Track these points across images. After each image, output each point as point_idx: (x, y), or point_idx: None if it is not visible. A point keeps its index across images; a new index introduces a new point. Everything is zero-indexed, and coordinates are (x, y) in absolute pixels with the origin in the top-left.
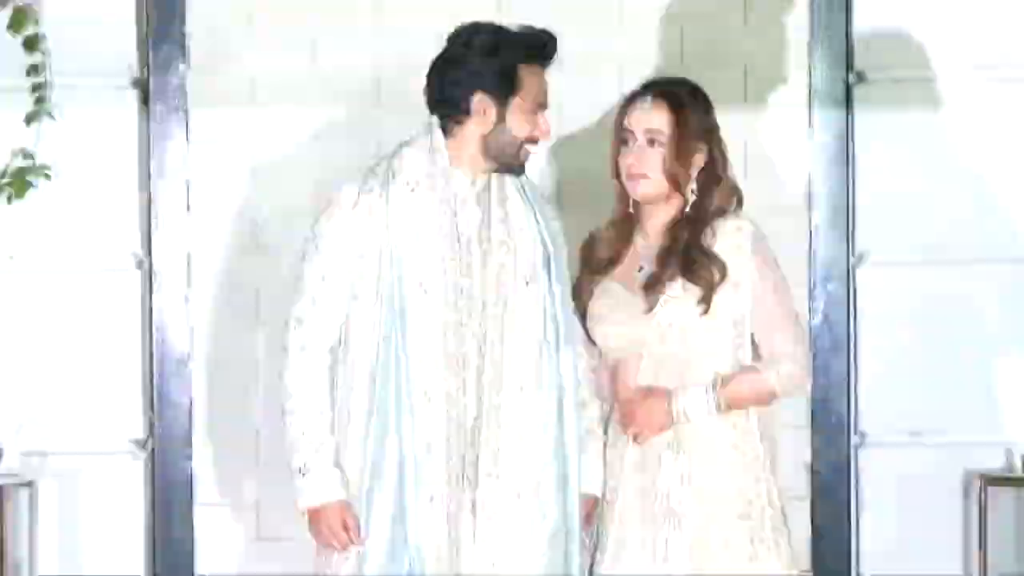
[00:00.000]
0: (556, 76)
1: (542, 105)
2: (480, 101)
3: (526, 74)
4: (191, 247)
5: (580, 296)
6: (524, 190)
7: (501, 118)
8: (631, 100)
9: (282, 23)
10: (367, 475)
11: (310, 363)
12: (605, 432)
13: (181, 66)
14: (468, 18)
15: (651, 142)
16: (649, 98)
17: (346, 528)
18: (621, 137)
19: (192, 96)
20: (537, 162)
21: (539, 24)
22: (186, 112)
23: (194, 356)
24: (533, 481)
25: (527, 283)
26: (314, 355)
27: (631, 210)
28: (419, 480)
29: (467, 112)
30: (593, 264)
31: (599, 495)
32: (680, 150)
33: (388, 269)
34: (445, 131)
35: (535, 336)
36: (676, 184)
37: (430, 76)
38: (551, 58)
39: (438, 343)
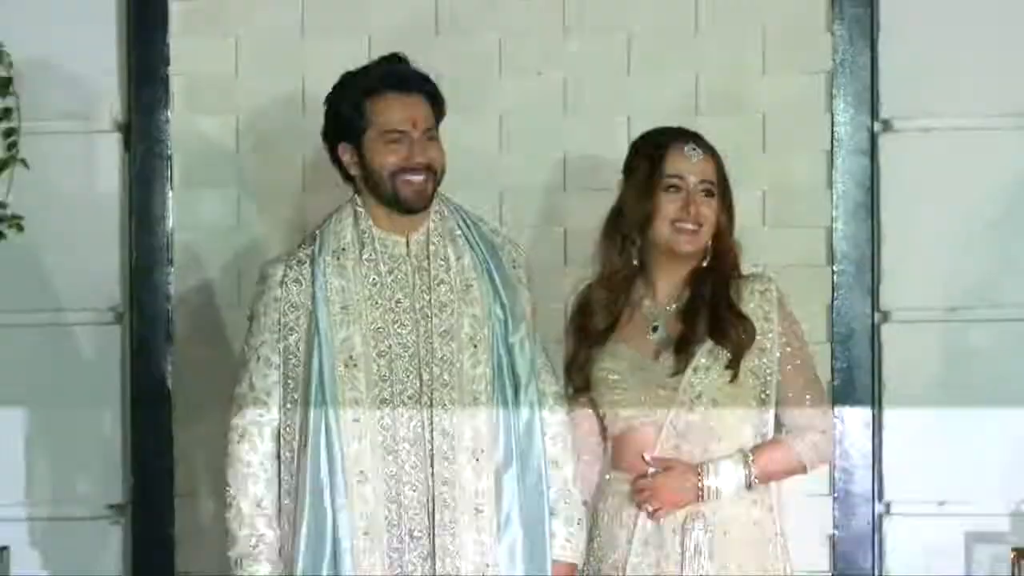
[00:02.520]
0: (563, 124)
1: (401, 132)
2: (343, 150)
3: (375, 105)
4: (174, 300)
5: (577, 364)
6: (474, 240)
7: (363, 159)
8: (668, 147)
9: (270, 65)
10: (308, 560)
11: (248, 453)
12: (604, 500)
13: (165, 110)
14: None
15: (707, 192)
16: (696, 147)
17: None
18: (665, 185)
19: (176, 140)
20: (543, 210)
21: (549, 71)
22: (170, 158)
23: (176, 417)
24: (496, 555)
25: (475, 345)
26: (253, 444)
27: (635, 262)
28: (358, 567)
29: (342, 166)
30: (590, 331)
31: (578, 563)
32: (729, 205)
33: (316, 345)
34: (359, 193)
35: (486, 399)
36: (720, 239)
37: None
38: (407, 81)
39: (371, 421)
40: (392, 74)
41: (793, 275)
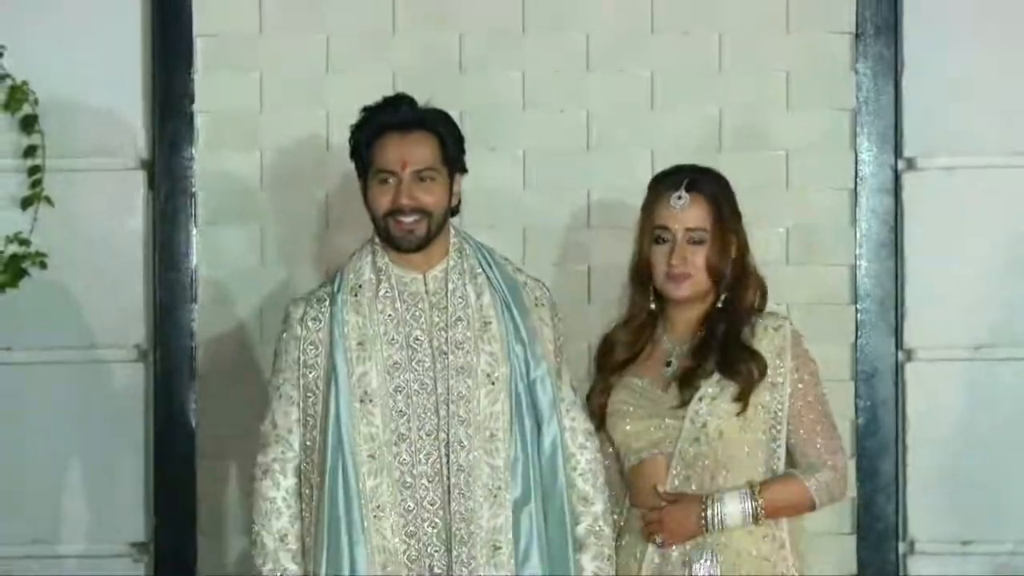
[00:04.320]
0: (586, 161)
1: (390, 173)
2: (361, 187)
3: (376, 146)
4: (198, 338)
5: (595, 395)
6: (495, 278)
7: (365, 198)
8: (659, 195)
9: (294, 101)
10: None
11: (271, 489)
12: (618, 533)
13: (190, 147)
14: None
15: (693, 240)
16: (684, 194)
17: None
18: (653, 236)
19: (200, 177)
20: (566, 248)
21: (572, 108)
22: (194, 194)
23: (200, 455)
24: None
25: (492, 382)
26: (275, 480)
27: (652, 306)
28: None
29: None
30: (610, 367)
31: None
32: (723, 246)
33: (332, 380)
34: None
35: (503, 435)
36: (719, 280)
37: None
38: (404, 120)
39: (388, 457)
40: (392, 113)
41: (817, 313)
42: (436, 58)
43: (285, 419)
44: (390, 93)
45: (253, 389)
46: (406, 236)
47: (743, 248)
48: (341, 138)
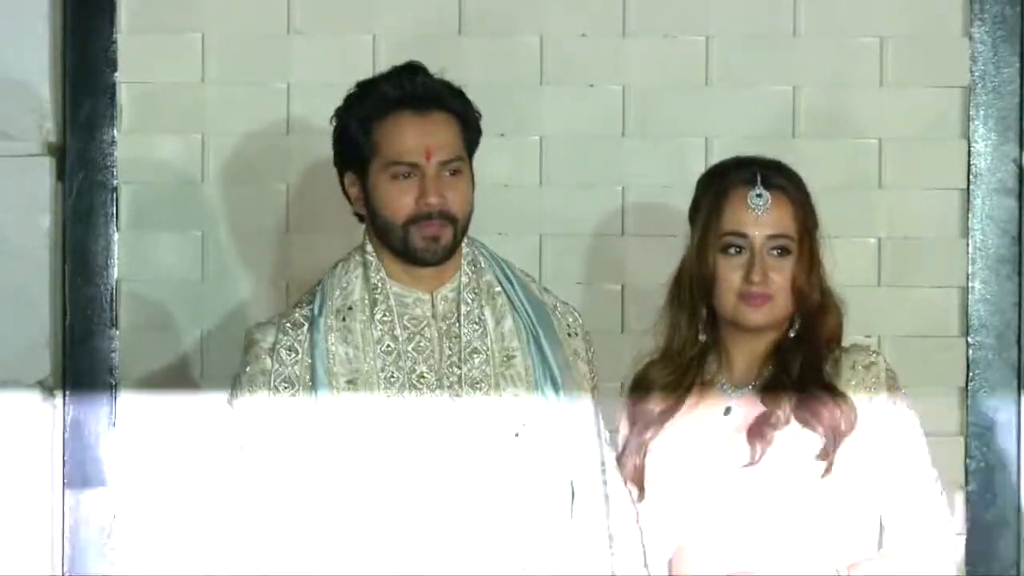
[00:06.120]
0: (621, 150)
1: (411, 165)
2: (349, 181)
3: (384, 130)
4: (120, 374)
5: (629, 454)
6: (518, 300)
7: (368, 195)
8: (727, 191)
9: (246, 71)
10: None
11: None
12: None
13: (111, 128)
14: None
15: (780, 250)
16: (764, 191)
17: None
18: (723, 243)
19: (124, 167)
20: (594, 262)
21: (604, 82)
22: (116, 189)
23: (119, 518)
24: None
25: (516, 434)
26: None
27: (703, 337)
28: None
29: (349, 200)
30: (646, 415)
31: None
32: (811, 260)
33: (318, 431)
34: (370, 237)
35: (532, 504)
36: (802, 305)
37: None
38: (425, 96)
39: (392, 527)
40: (406, 87)
41: (916, 348)
42: (430, 16)
43: (247, 475)
44: (368, 61)
45: (190, 441)
46: (430, 247)
47: (823, 265)
48: (305, 119)
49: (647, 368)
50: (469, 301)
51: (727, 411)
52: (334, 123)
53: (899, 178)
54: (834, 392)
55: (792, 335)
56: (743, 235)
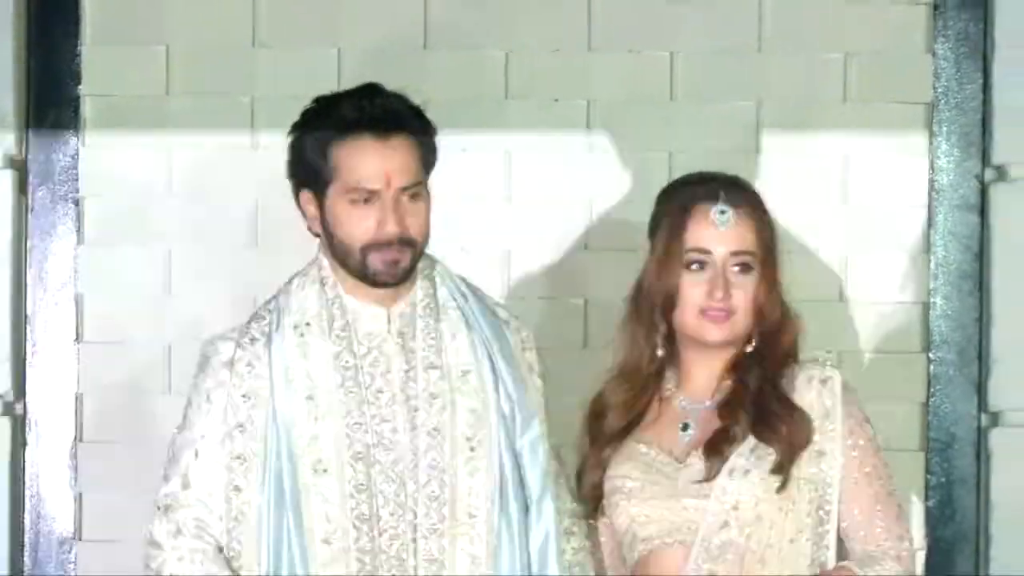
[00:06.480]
0: (585, 164)
1: (371, 192)
2: (305, 199)
3: (343, 153)
4: (82, 389)
5: (588, 471)
6: (472, 314)
7: (325, 218)
8: (690, 207)
9: (211, 84)
10: None
11: (189, 549)
12: None
13: (74, 139)
14: None
15: (742, 267)
16: (727, 207)
17: None
18: (687, 259)
19: (88, 180)
20: (558, 276)
21: (568, 96)
22: (79, 202)
23: (82, 534)
24: None
25: (472, 448)
26: (193, 540)
27: (661, 352)
28: None
29: (304, 215)
30: (605, 436)
31: None
32: (773, 278)
33: (275, 444)
34: (326, 254)
35: (486, 517)
36: (761, 322)
37: None
38: (386, 120)
39: (344, 540)
40: (366, 108)
41: (877, 363)
42: (395, 30)
43: (204, 482)
44: (333, 74)
45: (152, 454)
46: (389, 270)
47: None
48: (271, 133)
49: (605, 384)
50: (424, 316)
51: (684, 427)
52: (291, 138)
53: (862, 195)
54: (790, 407)
55: (750, 351)
56: (706, 251)
